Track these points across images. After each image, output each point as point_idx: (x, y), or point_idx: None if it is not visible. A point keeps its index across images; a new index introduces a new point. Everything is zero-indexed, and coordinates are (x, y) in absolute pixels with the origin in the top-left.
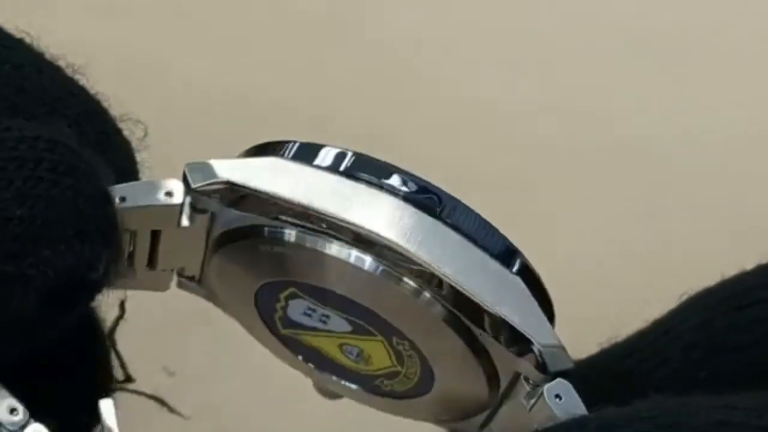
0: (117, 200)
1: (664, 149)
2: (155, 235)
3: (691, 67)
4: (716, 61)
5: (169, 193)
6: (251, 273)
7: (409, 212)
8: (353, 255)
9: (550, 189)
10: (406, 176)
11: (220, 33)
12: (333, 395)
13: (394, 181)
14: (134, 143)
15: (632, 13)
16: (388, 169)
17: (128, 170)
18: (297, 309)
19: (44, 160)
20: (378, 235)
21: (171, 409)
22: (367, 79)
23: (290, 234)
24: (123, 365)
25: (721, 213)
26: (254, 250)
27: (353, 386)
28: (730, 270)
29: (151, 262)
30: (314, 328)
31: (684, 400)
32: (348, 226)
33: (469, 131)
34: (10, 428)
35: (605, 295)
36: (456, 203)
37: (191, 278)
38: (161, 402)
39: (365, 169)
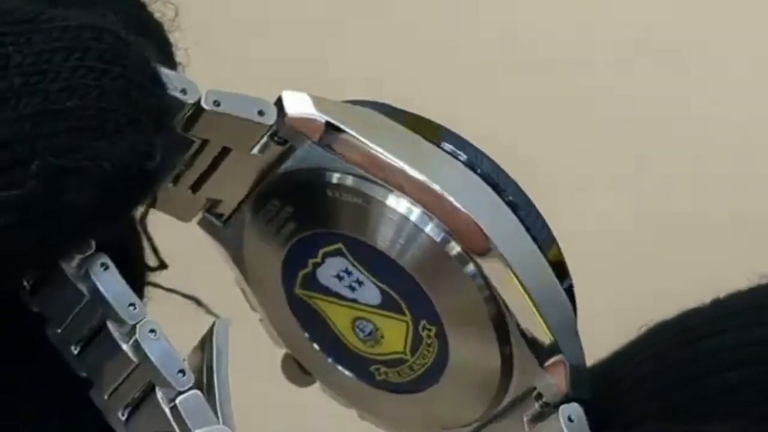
0: (211, 103)
1: None
2: (220, 155)
3: None
4: None
5: (261, 113)
6: (302, 219)
7: (481, 186)
8: (417, 213)
9: None
10: (482, 155)
11: None
12: (302, 381)
13: (472, 157)
14: (167, 25)
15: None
16: (469, 146)
17: (164, 53)
18: (331, 268)
19: (91, 48)
20: (448, 199)
21: (208, 310)
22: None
23: (364, 184)
24: (156, 251)
25: None
26: (317, 196)
27: (343, 370)
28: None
29: (198, 184)
30: (337, 295)
31: None
32: (424, 186)
33: None
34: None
35: None
36: (521, 194)
37: (219, 216)
38: (198, 302)
39: (450, 140)
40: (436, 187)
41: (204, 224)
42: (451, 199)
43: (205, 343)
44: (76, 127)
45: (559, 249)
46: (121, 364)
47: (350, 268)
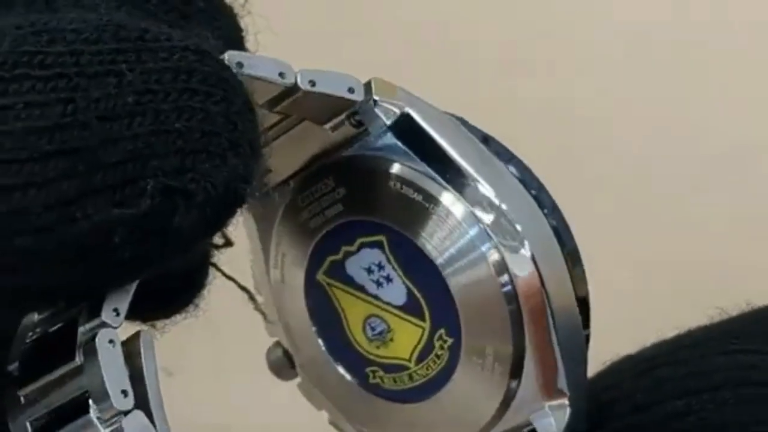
0: (307, 84)
1: None
2: (290, 126)
3: None
4: None
5: (351, 90)
6: (352, 204)
7: (542, 221)
8: (477, 228)
9: None
10: (544, 188)
11: None
12: (284, 373)
13: (536, 189)
14: (237, 9)
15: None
16: (531, 174)
17: (235, 38)
18: (363, 260)
19: (195, 71)
20: (512, 224)
21: (257, 307)
22: None
23: (431, 184)
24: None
25: None
26: (376, 184)
27: (337, 366)
28: None
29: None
30: (360, 287)
31: None
32: (492, 204)
33: None
34: (114, 325)
35: None
36: (571, 237)
37: (262, 186)
38: (250, 295)
39: (516, 165)
40: (504, 207)
41: None
42: (517, 227)
43: (132, 358)
44: (183, 149)
45: (587, 288)
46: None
47: (384, 262)
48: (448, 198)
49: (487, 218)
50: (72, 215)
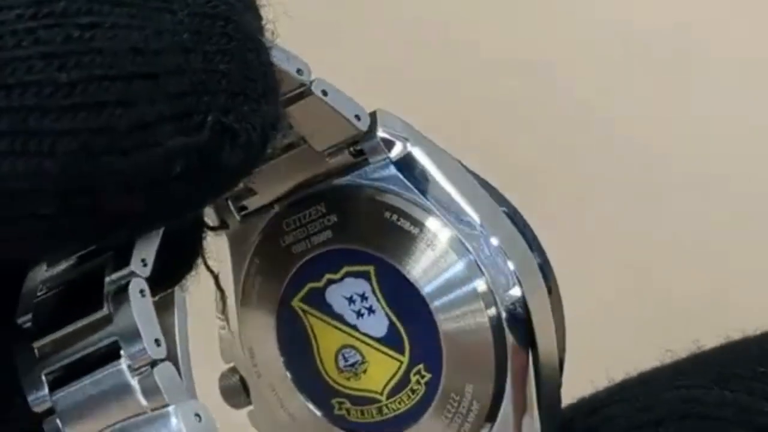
0: (319, 91)
1: None
2: (288, 146)
3: None
4: None
5: (357, 117)
6: (343, 231)
7: (532, 264)
8: (471, 264)
9: None
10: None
11: None
12: (238, 401)
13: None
14: None
15: None
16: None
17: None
18: (346, 289)
19: (230, 19)
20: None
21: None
22: None
23: (428, 218)
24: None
25: None
26: (371, 214)
27: (300, 396)
28: None
29: None
30: (338, 317)
31: None
32: (490, 245)
33: None
34: (142, 276)
35: None
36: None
37: (241, 208)
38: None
39: (507, 207)
40: (499, 245)
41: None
42: (510, 266)
43: (166, 312)
44: (227, 89)
45: (564, 329)
46: (85, 314)
47: (368, 293)
48: (444, 234)
49: (482, 256)
50: (149, 140)
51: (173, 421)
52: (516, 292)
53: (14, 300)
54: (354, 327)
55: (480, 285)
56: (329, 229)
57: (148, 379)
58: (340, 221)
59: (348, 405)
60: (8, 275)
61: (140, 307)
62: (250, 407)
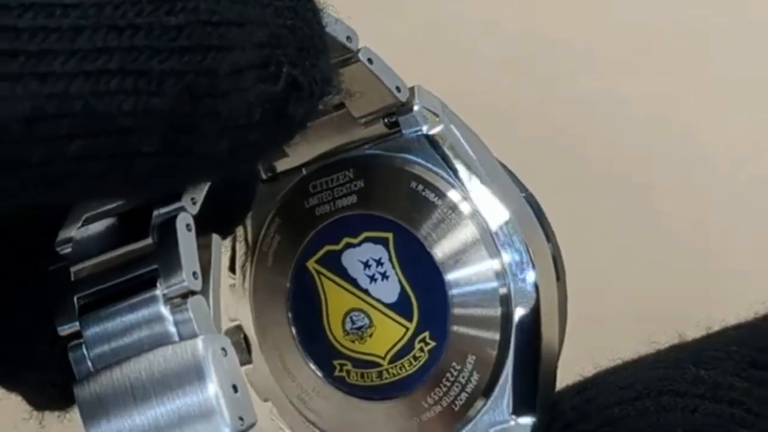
0: (366, 59)
1: None
2: (323, 111)
3: None
4: None
5: (398, 89)
6: (368, 197)
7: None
8: (489, 242)
9: None
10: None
11: None
12: (240, 360)
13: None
14: None
15: None
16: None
17: None
18: (363, 253)
19: None
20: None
21: None
22: None
23: (453, 192)
24: None
25: None
26: (398, 183)
27: (304, 356)
28: None
29: None
30: (352, 280)
31: None
32: (512, 227)
33: None
34: (192, 213)
35: None
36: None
37: (268, 170)
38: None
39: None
40: (518, 228)
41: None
42: (530, 251)
43: (204, 252)
44: (296, 44)
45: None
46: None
47: (385, 259)
48: (466, 208)
49: (501, 234)
50: (240, 85)
51: (200, 351)
52: (529, 274)
53: (55, 228)
54: (365, 291)
55: (495, 263)
56: (355, 194)
57: (181, 309)
58: (366, 187)
59: (349, 367)
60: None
61: (185, 239)
62: (250, 366)
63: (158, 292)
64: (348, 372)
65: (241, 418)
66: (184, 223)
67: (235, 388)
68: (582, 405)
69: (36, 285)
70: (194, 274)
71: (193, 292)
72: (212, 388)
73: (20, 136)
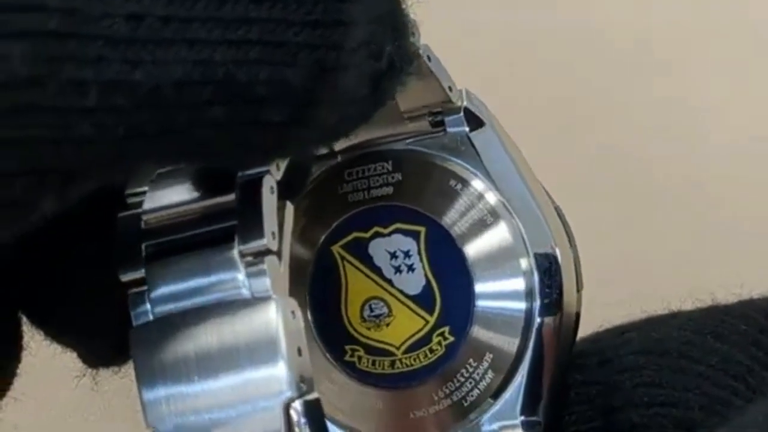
0: (425, 56)
1: None
2: None
3: None
4: None
5: (450, 89)
6: (404, 190)
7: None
8: (520, 247)
9: None
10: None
11: None
12: None
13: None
14: None
15: None
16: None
17: None
18: (392, 244)
19: None
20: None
21: None
22: None
23: (489, 194)
24: None
25: None
26: (437, 179)
27: (315, 337)
28: None
29: None
30: (376, 269)
31: None
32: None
33: None
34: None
35: None
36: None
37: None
38: None
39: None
40: (551, 233)
41: None
42: (558, 257)
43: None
44: (393, 24)
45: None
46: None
47: (413, 252)
48: (503, 212)
49: (534, 241)
50: (356, 60)
51: (272, 310)
52: (557, 283)
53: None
54: (389, 281)
55: (525, 268)
56: (391, 185)
57: (257, 266)
58: (403, 181)
59: (361, 353)
60: None
61: (268, 200)
62: None
63: (235, 247)
64: (359, 358)
65: (302, 381)
66: (269, 185)
67: (299, 351)
68: (620, 345)
69: (103, 231)
70: (273, 234)
71: (270, 251)
72: (282, 349)
73: (169, 100)
